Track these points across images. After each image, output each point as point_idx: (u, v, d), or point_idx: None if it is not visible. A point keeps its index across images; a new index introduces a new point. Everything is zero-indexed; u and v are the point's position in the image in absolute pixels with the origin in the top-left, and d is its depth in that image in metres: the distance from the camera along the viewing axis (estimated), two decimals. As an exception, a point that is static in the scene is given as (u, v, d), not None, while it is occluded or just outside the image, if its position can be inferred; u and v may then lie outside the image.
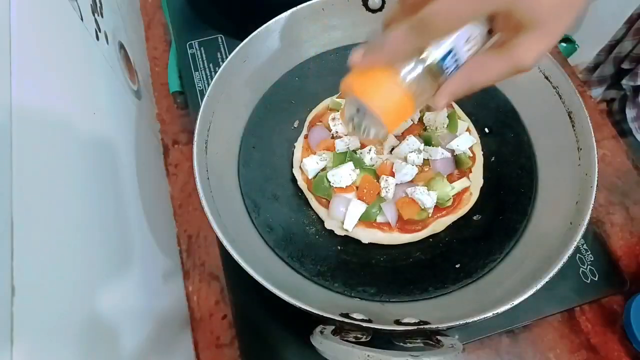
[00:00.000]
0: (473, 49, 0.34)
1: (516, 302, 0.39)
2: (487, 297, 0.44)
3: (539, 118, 0.55)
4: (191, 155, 0.49)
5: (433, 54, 0.33)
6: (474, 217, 0.54)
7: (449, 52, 0.33)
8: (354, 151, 0.55)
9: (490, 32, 0.34)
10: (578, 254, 0.55)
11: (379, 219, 0.52)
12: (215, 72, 0.54)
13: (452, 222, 0.53)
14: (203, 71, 0.70)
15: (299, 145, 0.59)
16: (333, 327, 0.39)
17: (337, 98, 0.61)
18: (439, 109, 0.37)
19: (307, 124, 0.60)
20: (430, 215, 0.52)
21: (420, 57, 0.33)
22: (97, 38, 0.52)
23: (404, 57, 0.33)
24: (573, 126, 0.50)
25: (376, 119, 0.36)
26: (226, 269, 0.56)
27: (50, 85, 0.38)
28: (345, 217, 0.51)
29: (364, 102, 0.35)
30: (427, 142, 0.56)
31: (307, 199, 0.56)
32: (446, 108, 0.57)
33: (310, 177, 0.55)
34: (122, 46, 0.63)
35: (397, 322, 0.41)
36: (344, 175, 0.52)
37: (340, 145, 0.55)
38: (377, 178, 0.54)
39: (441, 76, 0.35)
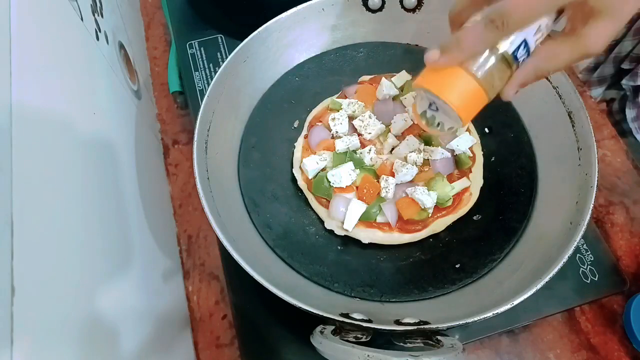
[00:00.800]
0: (541, 38, 0.35)
1: (516, 302, 0.39)
2: (487, 297, 0.44)
3: (539, 118, 0.55)
4: (191, 155, 0.49)
5: (506, 46, 0.34)
6: (474, 217, 0.54)
7: (522, 43, 0.34)
8: (354, 151, 0.55)
9: (555, 21, 0.35)
10: (578, 254, 0.55)
11: (379, 219, 0.52)
12: (215, 72, 0.54)
13: (452, 222, 0.53)
14: (203, 71, 0.70)
15: (299, 145, 0.59)
16: (333, 327, 0.39)
17: (337, 98, 0.61)
18: (509, 99, 0.38)
19: (307, 124, 0.60)
20: (430, 215, 0.52)
21: (495, 50, 0.34)
22: (97, 38, 0.52)
23: (481, 52, 0.34)
24: (573, 126, 0.50)
25: (451, 113, 0.37)
26: (226, 269, 0.56)
27: (50, 85, 0.38)
28: (345, 217, 0.51)
29: (440, 97, 0.36)
30: (427, 142, 0.56)
31: (307, 199, 0.56)
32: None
33: (310, 177, 0.55)
34: (122, 46, 0.63)
35: (397, 322, 0.41)
36: (344, 175, 0.52)
37: (340, 145, 0.55)
38: (377, 178, 0.54)
39: (514, 67, 0.36)
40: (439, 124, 0.41)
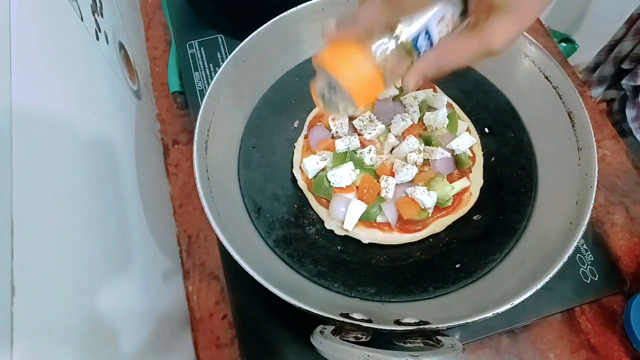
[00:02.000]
0: (446, 29, 0.35)
1: (516, 302, 0.39)
2: (487, 297, 0.44)
3: (539, 118, 0.55)
4: (191, 155, 0.49)
5: (406, 32, 0.34)
6: (474, 217, 0.54)
7: (422, 31, 0.34)
8: (354, 151, 0.55)
9: (463, 15, 0.35)
10: (578, 254, 0.55)
11: (379, 219, 0.52)
12: (215, 72, 0.54)
13: (452, 222, 0.53)
14: (203, 71, 0.70)
15: (299, 145, 0.59)
16: (333, 327, 0.39)
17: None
18: (410, 89, 0.37)
19: (307, 124, 0.60)
20: (430, 215, 0.52)
21: (394, 35, 0.34)
22: (97, 38, 0.52)
23: (376, 31, 0.34)
24: (573, 126, 0.50)
25: (346, 94, 0.36)
26: (226, 269, 0.56)
27: (50, 85, 0.38)
28: (345, 217, 0.51)
29: (334, 76, 0.36)
30: (427, 142, 0.56)
31: (307, 199, 0.56)
32: (446, 108, 0.58)
33: (310, 177, 0.55)
34: (122, 46, 0.63)
35: (397, 322, 0.41)
36: (344, 175, 0.52)
37: (340, 145, 0.55)
38: (377, 178, 0.54)
39: (414, 55, 0.35)
40: (334, 104, 0.40)
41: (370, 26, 0.33)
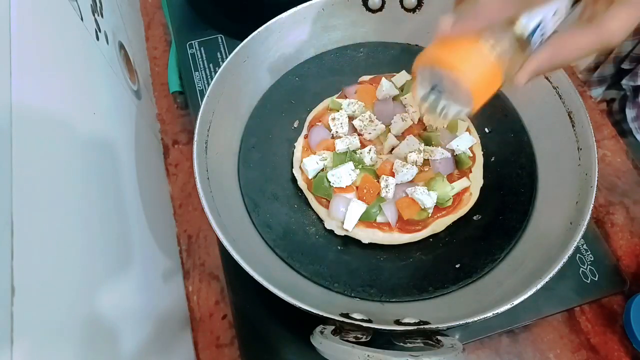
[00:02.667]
0: (559, 21, 0.33)
1: (516, 302, 0.39)
2: (487, 297, 0.44)
3: (539, 118, 0.55)
4: (191, 155, 0.49)
5: (523, 25, 0.32)
6: (474, 217, 0.54)
7: (538, 25, 0.32)
8: (354, 151, 0.55)
9: (573, 5, 0.33)
10: (578, 254, 0.55)
11: (379, 219, 0.52)
12: (215, 72, 0.54)
13: (452, 222, 0.53)
14: (203, 71, 0.70)
15: (299, 145, 0.59)
16: (333, 327, 0.39)
17: (337, 98, 0.61)
18: (521, 85, 0.35)
19: (307, 124, 0.60)
20: (430, 215, 0.52)
21: (510, 29, 0.32)
22: (97, 38, 0.52)
23: (496, 25, 0.32)
24: (573, 126, 0.50)
25: (459, 94, 0.34)
26: (226, 269, 0.56)
27: (50, 85, 0.38)
28: (345, 217, 0.51)
29: (453, 73, 0.33)
30: (427, 142, 0.56)
31: (307, 199, 0.56)
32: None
33: (310, 177, 0.55)
34: (122, 46, 0.63)
35: (397, 322, 0.41)
36: (344, 175, 0.52)
37: (340, 145, 0.55)
38: (377, 178, 0.54)
39: (527, 49, 0.33)
40: (443, 109, 0.37)
41: (493, 18, 0.31)
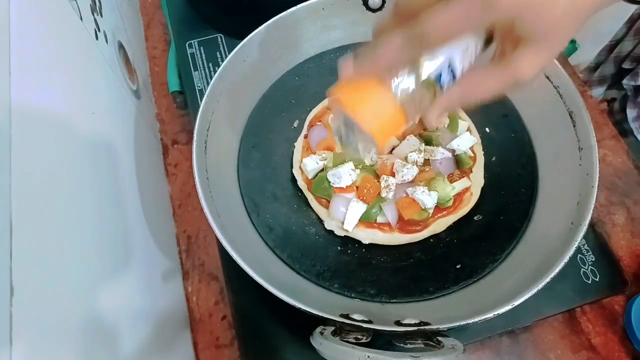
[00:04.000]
0: (469, 61, 0.33)
1: (517, 302, 0.39)
2: (487, 298, 0.44)
3: (540, 118, 0.55)
4: (191, 155, 0.49)
5: (429, 67, 0.32)
6: (475, 217, 0.53)
7: (445, 64, 0.32)
8: (354, 151, 0.55)
9: (486, 44, 0.33)
10: (579, 254, 0.55)
11: (379, 219, 0.52)
12: (215, 72, 0.54)
13: (453, 223, 0.53)
14: (203, 71, 0.70)
15: (298, 145, 0.58)
16: (333, 327, 0.39)
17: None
18: (432, 125, 0.35)
19: (307, 123, 0.60)
20: (430, 215, 0.52)
21: (414, 69, 0.32)
22: (97, 38, 0.52)
23: (397, 68, 0.32)
24: (574, 126, 0.50)
25: (362, 133, 0.34)
26: (226, 269, 0.56)
27: (50, 85, 0.37)
28: (346, 217, 0.51)
29: (353, 117, 0.33)
30: (428, 142, 0.56)
31: (307, 199, 0.56)
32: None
33: (310, 177, 0.55)
34: (121, 46, 0.63)
35: (398, 323, 0.41)
36: (344, 175, 0.52)
37: (341, 145, 0.55)
38: (378, 178, 0.54)
39: (436, 88, 0.33)
40: (352, 143, 0.37)
41: (391, 62, 0.31)
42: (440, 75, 0.32)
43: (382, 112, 0.33)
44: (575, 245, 0.42)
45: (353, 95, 0.33)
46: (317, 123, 0.59)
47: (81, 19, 0.48)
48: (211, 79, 0.53)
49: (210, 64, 0.70)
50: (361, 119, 0.33)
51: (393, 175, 0.53)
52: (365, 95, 0.33)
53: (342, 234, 0.52)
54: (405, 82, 0.32)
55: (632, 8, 0.88)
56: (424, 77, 0.32)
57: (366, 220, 0.52)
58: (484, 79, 0.33)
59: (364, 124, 0.33)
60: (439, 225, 0.52)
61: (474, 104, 0.34)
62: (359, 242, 0.52)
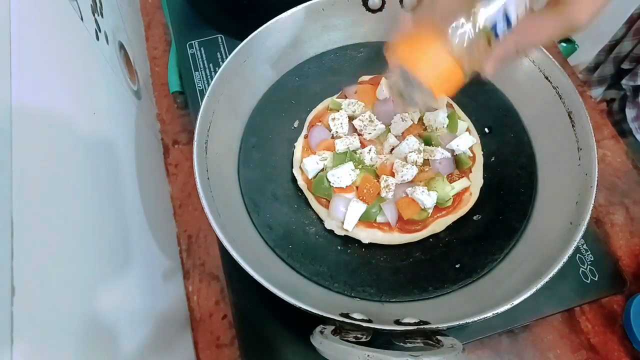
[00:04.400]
0: (523, 9, 0.33)
1: (516, 302, 0.39)
2: (487, 297, 0.44)
3: (539, 118, 0.55)
4: (191, 155, 0.49)
5: (484, 16, 0.32)
6: (474, 217, 0.54)
7: (501, 13, 0.32)
8: (354, 151, 0.55)
9: None
10: (578, 254, 0.55)
11: (379, 219, 0.52)
12: (215, 72, 0.54)
13: (452, 222, 0.53)
14: (203, 71, 0.70)
15: (299, 145, 0.59)
16: (333, 327, 0.39)
17: (337, 98, 0.61)
18: (489, 76, 0.35)
19: (307, 124, 0.60)
20: (430, 215, 0.52)
21: (471, 17, 0.32)
22: (97, 38, 0.52)
23: (454, 17, 0.32)
24: (573, 126, 0.50)
25: (421, 86, 0.35)
26: (226, 269, 0.56)
27: (50, 85, 0.38)
28: (345, 217, 0.51)
29: (411, 71, 0.34)
30: (427, 142, 0.56)
31: (307, 199, 0.56)
32: (446, 107, 0.58)
33: (310, 177, 0.55)
34: (122, 46, 0.63)
35: (397, 322, 0.41)
36: (344, 175, 0.52)
37: (340, 145, 0.55)
38: (377, 178, 0.54)
39: (492, 38, 0.33)
40: (411, 99, 0.39)
41: (448, 11, 0.32)
42: (495, 25, 0.33)
43: (440, 66, 0.34)
44: (575, 245, 0.42)
45: (411, 50, 0.34)
46: (317, 123, 0.59)
47: (82, 19, 0.48)
48: (212, 79, 0.53)
49: (211, 65, 0.70)
50: (420, 73, 0.34)
51: (393, 175, 0.53)
52: (423, 50, 0.34)
53: (342, 233, 0.52)
54: (461, 32, 0.33)
55: (632, 8, 0.88)
56: (480, 23, 0.32)
57: (366, 220, 0.52)
58: (540, 25, 0.33)
59: (423, 77, 0.34)
60: (439, 225, 0.52)
61: (529, 51, 0.35)
62: (358, 241, 0.52)
